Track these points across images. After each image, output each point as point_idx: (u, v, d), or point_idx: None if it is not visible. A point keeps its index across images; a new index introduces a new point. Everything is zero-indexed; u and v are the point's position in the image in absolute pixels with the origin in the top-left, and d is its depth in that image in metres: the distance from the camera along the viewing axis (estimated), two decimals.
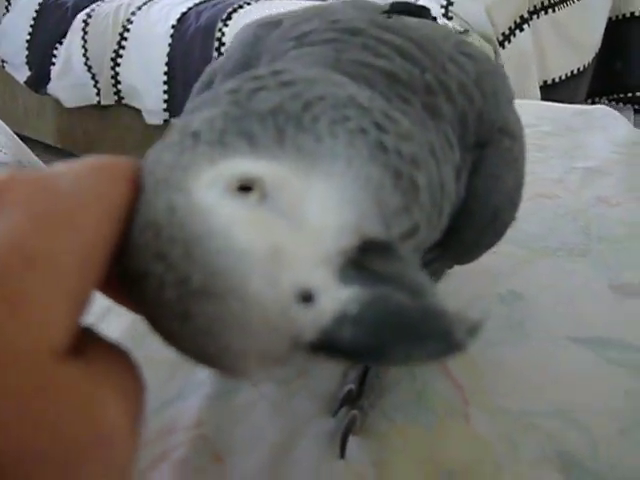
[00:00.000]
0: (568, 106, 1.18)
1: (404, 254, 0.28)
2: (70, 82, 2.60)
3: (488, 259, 0.62)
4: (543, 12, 2.08)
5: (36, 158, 1.36)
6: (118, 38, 2.45)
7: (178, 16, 2.33)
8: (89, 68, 2.55)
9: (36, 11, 2.73)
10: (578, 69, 2.25)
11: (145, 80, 2.41)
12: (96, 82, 2.55)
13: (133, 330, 0.53)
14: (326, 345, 0.25)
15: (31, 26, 2.70)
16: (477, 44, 1.90)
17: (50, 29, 2.66)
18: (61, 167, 0.26)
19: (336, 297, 0.25)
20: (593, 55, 2.34)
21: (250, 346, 0.25)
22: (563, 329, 0.57)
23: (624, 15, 2.45)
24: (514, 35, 1.98)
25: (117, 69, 2.48)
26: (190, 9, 2.35)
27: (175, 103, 2.36)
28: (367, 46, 0.39)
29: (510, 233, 0.71)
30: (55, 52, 2.64)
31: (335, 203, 0.27)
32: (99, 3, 2.62)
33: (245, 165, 0.27)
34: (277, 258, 0.25)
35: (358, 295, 0.25)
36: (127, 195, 0.27)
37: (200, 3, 2.39)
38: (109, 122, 2.64)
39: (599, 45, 2.37)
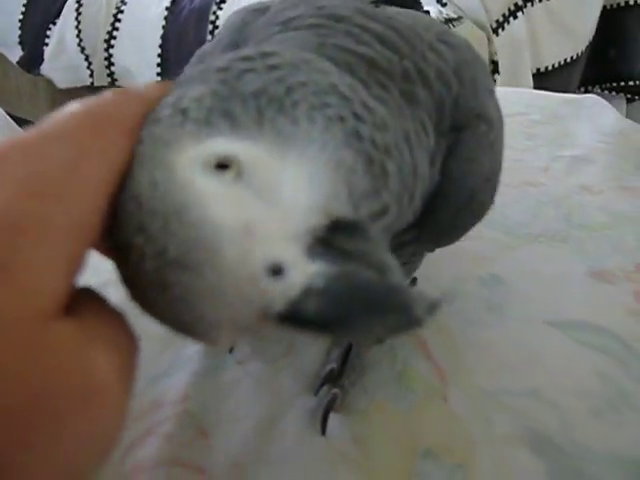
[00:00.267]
0: (558, 95, 1.19)
1: (372, 233, 0.30)
2: (63, 63, 2.58)
3: (472, 244, 0.63)
4: (537, 0, 2.08)
5: None
6: (112, 19, 2.43)
7: None
8: (82, 49, 2.53)
9: None
10: (571, 57, 2.25)
11: (139, 62, 2.40)
12: (89, 63, 2.54)
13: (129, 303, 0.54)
14: (293, 316, 0.26)
15: (24, 5, 2.67)
16: (470, 30, 1.90)
17: (43, 9, 2.63)
18: (53, 120, 0.27)
19: (304, 271, 0.26)
20: (587, 44, 2.34)
21: (222, 315, 0.27)
22: (540, 313, 0.58)
23: (619, 4, 2.44)
24: (508, 22, 1.97)
25: (110, 50, 2.46)
26: None
27: None
28: (350, 33, 0.40)
29: (495, 219, 0.74)
30: (48, 32, 2.62)
31: (306, 184, 0.29)
32: None
33: (224, 145, 0.29)
34: (250, 233, 0.26)
35: (324, 270, 0.26)
36: (126, 150, 0.28)
37: None
38: None
39: (593, 34, 2.36)
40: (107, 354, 0.25)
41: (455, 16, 1.88)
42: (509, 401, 0.49)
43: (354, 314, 0.26)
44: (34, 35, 2.65)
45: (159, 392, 0.50)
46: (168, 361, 0.53)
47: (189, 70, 0.47)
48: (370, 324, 0.26)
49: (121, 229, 0.27)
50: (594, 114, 1.08)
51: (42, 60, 2.64)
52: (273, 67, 0.33)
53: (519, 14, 2.00)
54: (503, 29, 1.96)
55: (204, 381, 0.51)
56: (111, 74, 2.51)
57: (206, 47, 0.48)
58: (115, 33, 2.44)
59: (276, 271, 0.26)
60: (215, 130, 0.29)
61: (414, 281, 0.58)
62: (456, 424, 0.48)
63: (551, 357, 0.54)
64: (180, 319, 0.27)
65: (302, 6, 0.43)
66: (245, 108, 0.30)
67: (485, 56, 1.93)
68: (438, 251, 0.53)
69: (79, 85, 2.60)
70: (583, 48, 2.31)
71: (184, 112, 0.30)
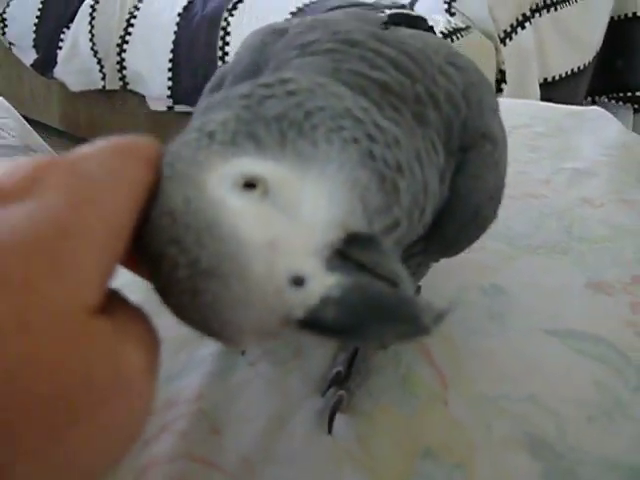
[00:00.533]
0: (562, 107, 1.19)
1: (384, 246, 0.32)
2: (76, 66, 2.62)
3: (475, 255, 0.65)
4: (545, 10, 2.09)
5: (43, 141, 1.39)
6: (125, 24, 2.47)
7: (184, 4, 2.35)
8: (95, 53, 2.56)
9: None
10: (579, 67, 2.26)
11: (150, 66, 2.43)
12: (102, 67, 2.57)
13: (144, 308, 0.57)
14: (312, 323, 0.29)
15: (39, 9, 2.71)
16: (478, 40, 1.92)
17: (58, 13, 2.67)
18: (89, 149, 0.30)
19: (322, 282, 0.29)
20: (594, 54, 2.35)
21: (247, 321, 0.29)
22: (540, 322, 0.60)
23: (626, 15, 2.46)
24: (516, 32, 1.99)
25: (123, 55, 2.50)
26: None
27: (179, 90, 2.38)
28: (364, 57, 0.42)
29: (498, 231, 0.75)
30: (62, 36, 2.65)
31: (326, 201, 0.31)
32: None
33: (251, 165, 0.31)
34: (275, 247, 0.29)
35: (341, 281, 0.29)
36: (149, 176, 0.31)
37: None
38: (114, 107, 2.66)
39: (600, 44, 2.38)
40: (136, 350, 0.28)
41: (463, 26, 1.90)
42: (508, 407, 0.51)
43: (367, 322, 0.29)
44: (48, 39, 2.69)
45: (174, 391, 0.52)
46: (183, 362, 0.55)
47: (208, 88, 0.50)
48: (381, 331, 0.29)
49: (154, 240, 0.29)
50: (598, 127, 1.09)
51: (55, 63, 2.68)
52: (291, 93, 0.35)
53: (527, 24, 2.02)
54: (511, 39, 1.98)
55: (217, 381, 0.53)
56: (123, 78, 2.55)
57: (226, 67, 0.50)
58: (128, 38, 2.47)
59: (297, 282, 0.29)
60: (241, 150, 0.32)
61: (419, 289, 0.60)
62: (456, 427, 0.49)
63: (550, 365, 0.55)
64: (208, 323, 0.30)
65: (319, 30, 0.46)
66: (268, 131, 0.33)
67: (493, 66, 1.95)
68: (443, 261, 0.54)
69: (91, 88, 2.64)
70: (590, 58, 2.32)
71: (210, 135, 0.32)
